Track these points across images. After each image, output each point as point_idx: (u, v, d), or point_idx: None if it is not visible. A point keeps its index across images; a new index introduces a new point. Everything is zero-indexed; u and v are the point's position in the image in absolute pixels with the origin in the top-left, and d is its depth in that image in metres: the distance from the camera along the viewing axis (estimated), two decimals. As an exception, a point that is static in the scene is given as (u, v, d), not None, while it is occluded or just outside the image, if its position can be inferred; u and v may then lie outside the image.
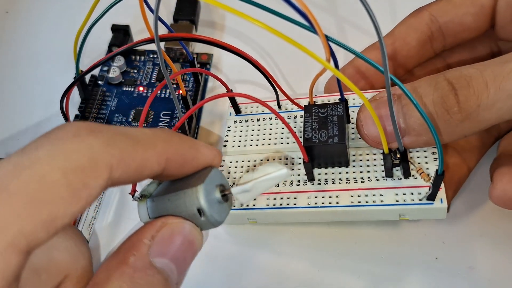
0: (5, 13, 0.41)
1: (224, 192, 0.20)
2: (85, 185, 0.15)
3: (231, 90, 0.30)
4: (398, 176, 0.27)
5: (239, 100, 0.32)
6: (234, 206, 0.22)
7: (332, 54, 0.22)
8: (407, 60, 0.31)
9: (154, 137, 0.18)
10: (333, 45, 0.22)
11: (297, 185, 0.28)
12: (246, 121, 0.31)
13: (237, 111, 0.32)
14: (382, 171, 0.27)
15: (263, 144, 0.30)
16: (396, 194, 0.26)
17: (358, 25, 0.38)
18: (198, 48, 0.38)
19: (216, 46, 0.27)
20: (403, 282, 0.28)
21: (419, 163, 0.27)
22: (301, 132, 0.29)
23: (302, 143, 0.26)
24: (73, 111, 0.34)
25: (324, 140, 0.26)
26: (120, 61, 0.36)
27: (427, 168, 0.27)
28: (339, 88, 0.27)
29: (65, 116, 0.31)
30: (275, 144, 0.30)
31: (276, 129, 0.31)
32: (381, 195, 0.26)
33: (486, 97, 0.23)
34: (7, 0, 0.42)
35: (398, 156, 0.25)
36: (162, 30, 0.30)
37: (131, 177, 0.17)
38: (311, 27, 0.18)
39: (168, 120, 0.34)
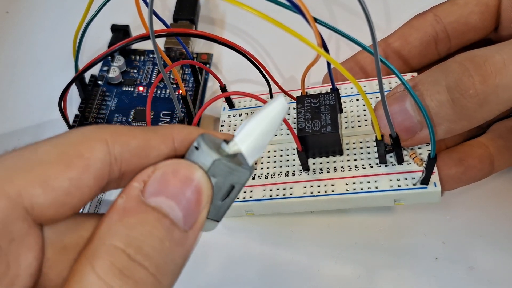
0: (5, 13, 0.42)
1: (227, 141, 0.17)
2: (78, 154, 0.16)
3: (224, 84, 0.31)
4: (391, 162, 0.27)
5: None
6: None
7: (322, 40, 0.22)
8: (409, 60, 0.31)
9: (157, 126, 0.18)
10: (325, 34, 0.22)
11: (293, 175, 0.29)
12: (240, 115, 0.32)
13: (231, 105, 0.33)
14: (376, 158, 0.28)
15: None
16: (391, 180, 0.27)
17: (351, 9, 0.38)
18: (198, 47, 0.38)
19: (212, 40, 0.28)
20: (403, 282, 0.28)
21: (411, 148, 0.27)
22: (294, 123, 0.29)
23: (295, 133, 0.27)
24: (73, 111, 0.34)
25: (317, 130, 0.27)
26: (120, 61, 0.36)
27: (420, 154, 0.27)
28: (330, 78, 0.28)
29: (64, 115, 0.31)
30: None
31: None
32: (375, 181, 0.27)
33: (505, 75, 0.22)
34: (7, 0, 0.42)
35: (391, 142, 0.26)
36: (162, 30, 0.30)
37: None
38: (298, 10, 0.18)
39: (168, 120, 0.34)
